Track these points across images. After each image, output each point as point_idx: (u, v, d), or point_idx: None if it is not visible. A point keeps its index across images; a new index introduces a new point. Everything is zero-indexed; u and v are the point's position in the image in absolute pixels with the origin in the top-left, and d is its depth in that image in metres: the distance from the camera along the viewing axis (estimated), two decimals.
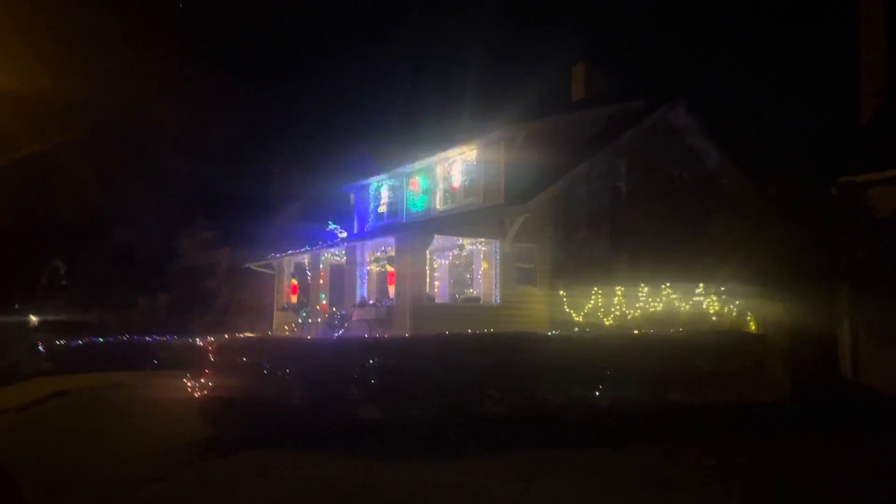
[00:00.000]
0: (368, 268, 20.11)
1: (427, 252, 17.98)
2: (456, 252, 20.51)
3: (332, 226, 25.24)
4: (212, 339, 10.52)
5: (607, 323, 17.74)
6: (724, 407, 12.34)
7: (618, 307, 17.62)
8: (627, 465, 8.20)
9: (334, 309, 20.86)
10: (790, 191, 11.67)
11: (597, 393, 11.93)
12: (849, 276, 11.76)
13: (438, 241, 18.49)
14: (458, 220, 18.67)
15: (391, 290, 18.84)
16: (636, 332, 13.15)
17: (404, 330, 17.06)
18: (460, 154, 20.40)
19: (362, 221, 25.25)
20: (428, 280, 18.41)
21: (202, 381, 9.38)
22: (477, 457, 8.40)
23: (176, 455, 9.01)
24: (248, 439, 8.96)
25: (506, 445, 9.01)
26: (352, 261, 19.81)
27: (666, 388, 12.58)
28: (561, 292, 18.65)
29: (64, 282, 41.82)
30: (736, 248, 12.70)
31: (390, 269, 18.44)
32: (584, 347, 12.15)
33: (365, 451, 8.59)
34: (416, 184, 22.49)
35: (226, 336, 12.41)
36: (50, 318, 37.43)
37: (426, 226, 18.39)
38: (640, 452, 8.93)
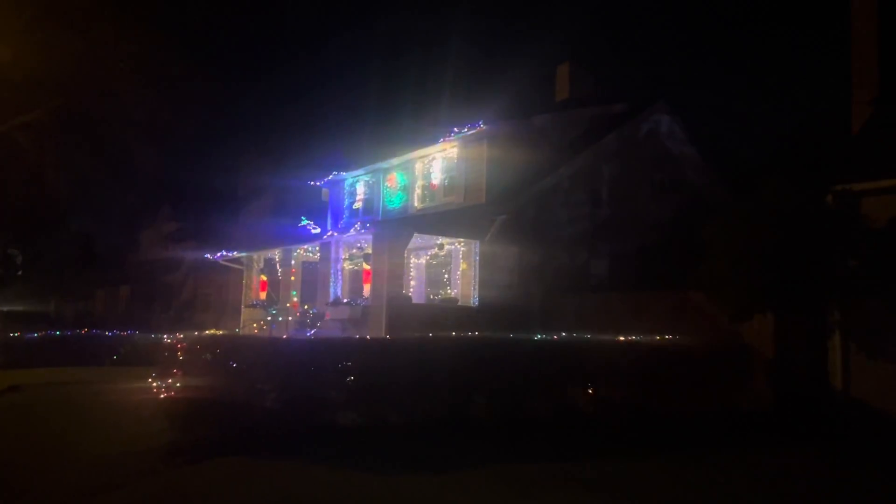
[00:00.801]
0: (343, 265, 19.47)
1: (405, 251, 17.42)
2: (434, 251, 19.98)
3: (304, 221, 24.49)
4: (180, 335, 9.82)
5: (587, 327, 17.39)
6: (709, 416, 12.06)
7: (598, 312, 17.28)
8: (631, 483, 7.72)
9: (306, 307, 20.19)
10: (783, 197, 11.37)
11: (583, 399, 11.55)
12: (841, 287, 11.52)
13: (416, 239, 17.95)
14: (439, 219, 18.16)
15: (366, 288, 18.23)
16: (621, 338, 12.77)
17: (380, 330, 16.48)
18: (441, 151, 19.89)
19: (336, 218, 24.58)
20: (405, 280, 17.86)
21: (169, 380, 8.68)
22: (470, 469, 7.86)
23: (139, 460, 8.31)
24: (219, 444, 8.31)
25: (497, 456, 8.51)
26: (326, 258, 19.14)
27: (651, 395, 12.25)
28: (541, 295, 18.25)
29: (20, 272, 40.23)
30: (723, 254, 12.37)
31: (366, 267, 17.85)
32: (571, 352, 11.73)
33: (349, 462, 8.00)
34: (394, 180, 21.92)
35: (195, 333, 11.69)
36: (3, 308, 35.96)
37: (406, 223, 17.85)
38: (640, 467, 8.48)
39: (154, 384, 9.13)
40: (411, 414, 9.31)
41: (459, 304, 18.22)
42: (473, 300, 17.99)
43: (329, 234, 18.08)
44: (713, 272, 12.34)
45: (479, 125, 17.96)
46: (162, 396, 8.76)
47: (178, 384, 8.51)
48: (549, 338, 12.16)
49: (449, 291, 19.46)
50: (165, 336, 10.93)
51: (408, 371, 9.40)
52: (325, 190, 26.49)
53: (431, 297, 20.34)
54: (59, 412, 11.80)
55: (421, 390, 9.43)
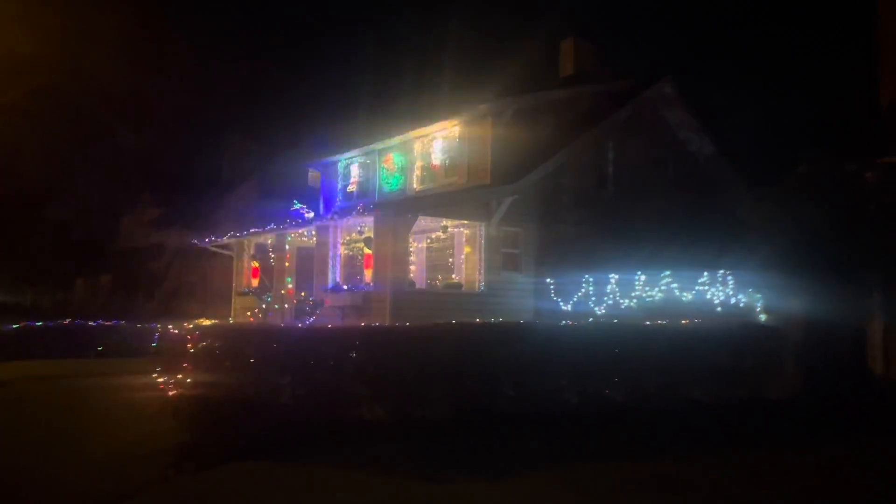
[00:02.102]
0: (341, 250, 18.64)
1: (409, 234, 16.63)
2: (436, 235, 19.22)
3: (297, 205, 23.57)
4: (189, 325, 8.97)
5: (599, 313, 16.76)
6: (742, 405, 11.47)
7: (611, 296, 16.65)
8: (712, 485, 6.97)
9: (303, 294, 19.35)
10: (824, 171, 10.76)
11: (611, 388, 10.89)
12: (883, 265, 10.94)
13: (418, 222, 17.16)
14: (443, 201, 17.36)
15: (368, 274, 17.43)
16: (647, 322, 12.11)
17: (383, 317, 15.72)
18: (442, 130, 19.05)
19: (329, 202, 23.66)
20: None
21: (179, 375, 7.84)
22: (530, 473, 7.09)
23: (145, 465, 7.49)
24: (233, 447, 7.51)
25: (552, 456, 7.78)
26: (323, 242, 18.29)
27: (678, 383, 11.62)
28: (548, 280, 17.58)
29: None
30: (755, 232, 11.75)
31: (368, 251, 17.02)
32: (597, 339, 11.04)
33: (387, 466, 7.20)
34: (391, 162, 21.05)
35: (204, 322, 10.85)
36: None
37: (410, 205, 17.02)
38: (706, 465, 7.76)
39: (160, 379, 8.26)
40: (439, 408, 8.57)
41: (464, 289, 17.51)
42: (479, 285, 17.27)
43: (329, 216, 17.20)
44: (753, 250, 11.72)
45: (484, 102, 17.16)
46: (170, 393, 7.90)
47: (188, 379, 7.67)
48: (578, 324, 11.47)
49: (452, 276, 18.73)
50: (171, 327, 10.07)
51: (435, 362, 8.66)
52: (315, 172, 25.56)
53: (430, 282, 19.59)
54: (51, 410, 10.91)
55: (450, 382, 8.69)
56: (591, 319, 15.49)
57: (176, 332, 8.93)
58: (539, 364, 9.84)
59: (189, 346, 7.88)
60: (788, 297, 12.61)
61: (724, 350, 12.15)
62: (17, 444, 8.79)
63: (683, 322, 12.54)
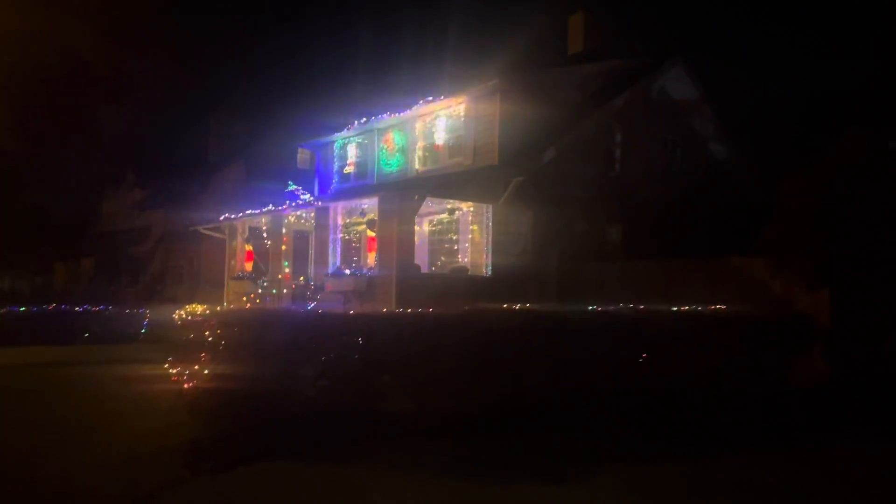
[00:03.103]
0: (341, 233, 17.93)
1: (416, 216, 15.97)
2: (440, 216, 18.56)
3: (292, 186, 22.78)
4: (206, 310, 8.26)
5: (610, 297, 16.22)
6: (773, 395, 10.99)
7: (623, 280, 16.11)
8: (792, 487, 6.41)
9: (301, 279, 18.67)
10: (860, 151, 10.23)
11: (641, 377, 10.36)
12: None
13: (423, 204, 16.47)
14: (452, 181, 16.68)
15: (371, 257, 16.75)
16: (674, 308, 11.56)
17: (389, 303, 15.08)
18: (446, 108, 18.34)
19: (324, 183, 22.87)
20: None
21: (195, 366, 7.13)
22: (591, 476, 6.44)
23: (156, 464, 6.80)
24: (255, 445, 6.84)
25: (598, 453, 7.20)
26: (323, 225, 17.59)
27: (708, 371, 11.12)
28: (556, 264, 16.99)
29: None
30: (798, 216, 11.22)
31: (371, 234, 16.35)
32: (623, 325, 10.47)
33: (429, 466, 6.54)
34: (391, 141, 20.30)
35: (198, 308, 10.13)
36: None
37: (416, 186, 16.36)
38: (771, 463, 7.22)
39: (172, 370, 7.55)
40: (468, 399, 7.95)
41: (470, 273, 16.90)
42: (486, 269, 16.67)
43: (330, 197, 16.45)
44: (785, 237, 11.19)
45: (493, 78, 16.47)
46: (185, 385, 7.20)
47: (204, 370, 6.97)
48: (607, 310, 10.88)
49: (457, 259, 18.10)
50: (185, 313, 9.33)
51: (467, 350, 8.04)
52: (303, 152, 24.78)
53: (433, 267, 18.94)
54: (45, 402, 10.14)
55: (480, 372, 8.08)
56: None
57: (190, 318, 8.21)
58: (570, 352, 9.26)
59: (206, 333, 7.18)
60: (814, 280, 12.12)
61: (750, 337, 11.66)
62: (12, 439, 8.05)
63: (712, 308, 12.01)
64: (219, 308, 8.98)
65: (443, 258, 19.14)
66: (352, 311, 12.19)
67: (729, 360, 11.40)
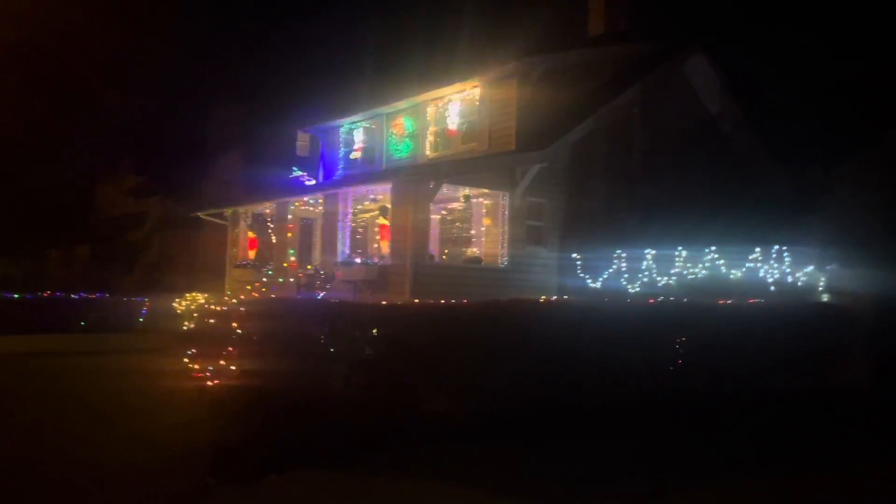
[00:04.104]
0: (350, 221, 17.20)
1: (431, 203, 15.30)
2: (451, 205, 17.90)
3: (296, 172, 22.11)
4: (232, 300, 7.57)
5: (632, 291, 15.63)
6: (821, 395, 10.43)
7: (646, 273, 15.51)
8: None
9: (309, 267, 17.98)
10: None
11: (684, 374, 9.78)
12: None
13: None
14: (470, 167, 16.00)
15: (384, 246, 16.07)
16: (722, 301, 10.97)
17: (402, 293, 14.43)
18: (460, 91, 17.62)
19: (329, 169, 22.13)
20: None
21: (219, 361, 6.44)
22: (671, 492, 5.82)
23: (176, 470, 6.15)
24: (287, 450, 6.17)
25: (671, 463, 6.54)
26: (332, 211, 16.86)
27: (751, 369, 10.55)
28: (574, 255, 16.35)
29: None
30: (826, 206, 10.61)
31: (384, 221, 15.66)
32: (664, 320, 9.88)
33: (482, 477, 5.91)
34: (401, 126, 19.57)
35: (200, 298, 9.45)
36: None
37: (432, 171, 15.63)
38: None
39: (194, 365, 6.87)
40: (516, 401, 7.32)
41: (483, 264, 16.26)
42: (502, 259, 16.01)
43: (340, 183, 15.74)
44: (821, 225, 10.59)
45: (511, 60, 15.76)
46: (208, 383, 6.52)
47: (233, 367, 6.30)
48: (639, 303, 10.28)
49: (471, 250, 17.46)
50: (207, 303, 8.63)
51: (508, 347, 7.40)
52: (306, 137, 24.00)
53: (443, 256, 18.28)
54: (48, 395, 9.46)
55: (524, 368, 7.45)
56: (629, 298, 14.34)
57: (216, 308, 7.52)
58: (612, 348, 8.63)
59: (235, 324, 6.49)
60: (859, 275, 11.52)
61: (792, 333, 11.08)
62: (15, 438, 7.35)
63: (751, 301, 11.41)
64: (243, 297, 8.29)
65: (449, 248, 18.51)
66: (368, 302, 11.51)
67: (768, 355, 10.85)
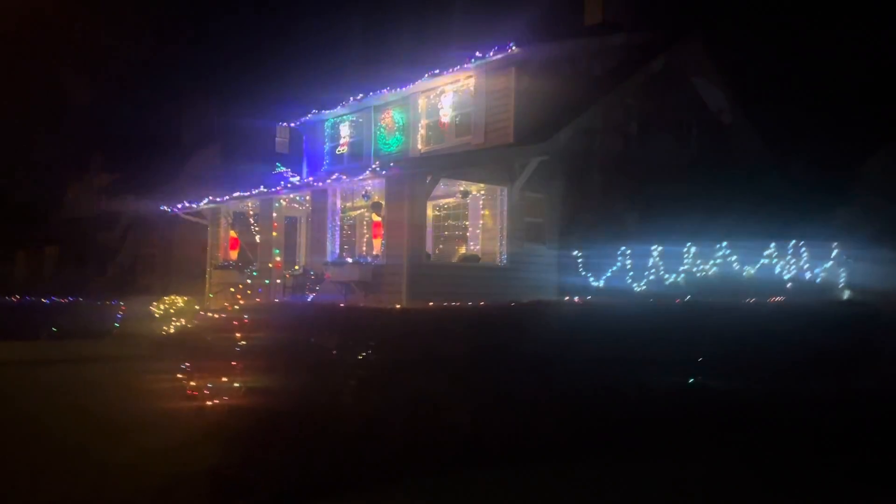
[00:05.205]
0: (340, 218, 16.32)
1: (428, 198, 14.52)
2: (445, 201, 17.13)
3: (280, 168, 21.17)
4: (233, 305, 6.69)
5: (637, 290, 14.99)
6: (853, 398, 9.80)
7: (652, 270, 14.88)
8: None
9: (297, 267, 17.10)
10: None
11: (712, 378, 9.08)
12: None
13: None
14: (471, 160, 15.25)
15: (376, 244, 15.23)
16: (749, 300, 10.31)
17: (398, 294, 13.63)
18: (453, 82, 16.88)
19: (314, 165, 21.25)
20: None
21: (219, 377, 5.57)
22: None
23: (169, 501, 5.29)
24: (300, 478, 5.34)
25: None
26: (319, 208, 15.99)
27: (776, 373, 9.90)
28: (575, 252, 15.66)
29: None
30: (853, 201, 10.02)
31: (376, 218, 14.84)
32: (692, 320, 9.16)
33: None
34: (390, 119, 18.77)
35: (179, 301, 8.54)
36: None
37: (429, 165, 14.86)
38: None
39: (192, 382, 5.99)
40: (543, 416, 6.55)
41: (481, 262, 15.52)
42: (501, 257, 15.29)
43: (332, 177, 14.88)
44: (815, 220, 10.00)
45: (510, 47, 15.02)
46: (209, 403, 5.65)
47: (237, 384, 5.44)
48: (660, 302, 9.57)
49: (464, 247, 16.71)
50: (204, 310, 7.73)
51: (540, 353, 6.64)
52: (287, 132, 23.08)
53: (436, 254, 17.49)
54: (15, 411, 8.49)
55: (550, 383, 6.70)
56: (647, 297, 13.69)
57: (215, 315, 6.64)
58: (641, 353, 7.90)
59: (238, 335, 5.63)
60: (882, 270, 10.94)
61: (819, 333, 10.44)
62: None
63: (774, 299, 10.78)
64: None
65: (442, 246, 17.76)
66: (362, 304, 10.68)
67: (792, 356, 10.21)
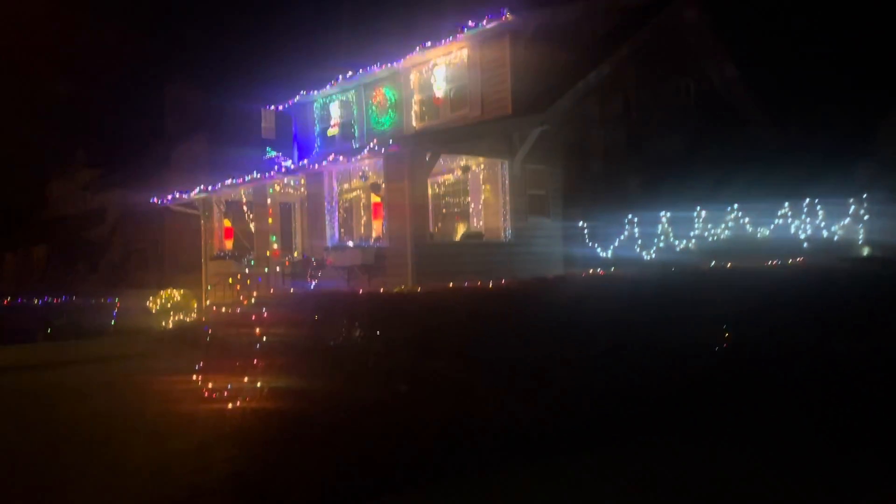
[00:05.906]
0: (337, 201, 15.85)
1: (429, 176, 14.09)
2: (443, 178, 16.70)
3: (271, 153, 20.64)
4: (250, 300, 6.24)
5: (647, 258, 14.66)
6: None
7: (662, 237, 14.55)
8: None
9: (296, 254, 16.67)
10: None
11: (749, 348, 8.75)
12: None
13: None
14: (472, 133, 14.78)
15: (377, 226, 14.86)
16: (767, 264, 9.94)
17: (404, 277, 13.25)
18: (446, 54, 16.34)
19: (304, 149, 20.69)
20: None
21: (244, 378, 5.12)
22: None
23: None
24: (327, 485, 4.97)
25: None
26: (316, 192, 15.52)
27: (810, 338, 9.57)
28: (580, 223, 15.31)
29: None
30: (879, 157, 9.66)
31: (376, 199, 14.40)
32: (724, 287, 8.78)
33: None
34: (382, 96, 18.22)
35: (176, 294, 8.10)
36: None
37: (429, 141, 14.35)
38: None
39: (207, 388, 5.58)
40: (592, 400, 6.18)
41: (485, 239, 15.12)
42: (505, 233, 14.90)
43: (329, 158, 14.39)
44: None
45: (503, 14, 14.49)
46: (230, 406, 5.24)
47: (259, 384, 5.03)
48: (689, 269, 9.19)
49: (464, 224, 16.32)
50: (215, 305, 7.29)
51: (581, 332, 6.26)
52: (273, 116, 22.50)
53: (436, 232, 17.08)
54: (14, 420, 8.08)
55: (595, 363, 6.34)
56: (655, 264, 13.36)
57: (230, 310, 6.20)
58: (675, 327, 7.54)
59: (259, 332, 5.20)
60: None
61: (845, 293, 10.12)
62: None
63: (796, 260, 10.43)
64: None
65: (441, 224, 17.36)
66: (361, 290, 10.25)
67: (822, 320, 9.89)
